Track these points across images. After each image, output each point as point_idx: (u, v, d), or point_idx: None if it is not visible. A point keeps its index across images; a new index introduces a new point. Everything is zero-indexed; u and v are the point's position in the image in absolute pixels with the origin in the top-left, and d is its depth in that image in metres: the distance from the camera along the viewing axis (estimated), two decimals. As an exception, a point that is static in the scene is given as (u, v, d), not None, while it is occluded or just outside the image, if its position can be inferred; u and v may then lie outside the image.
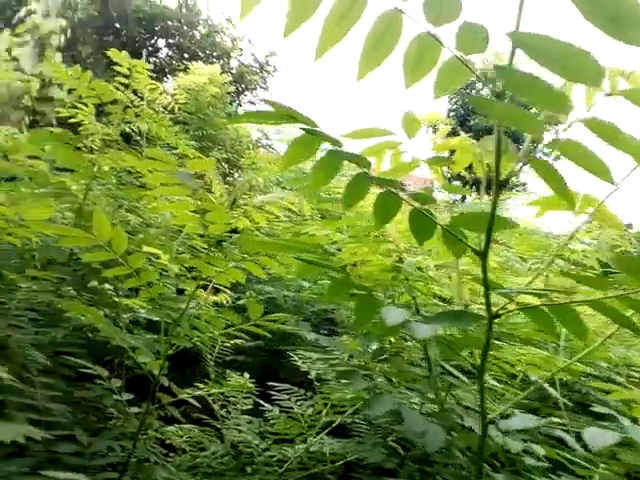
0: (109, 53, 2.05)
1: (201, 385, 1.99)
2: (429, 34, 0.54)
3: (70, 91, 5.82)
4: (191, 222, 1.01)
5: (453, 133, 1.13)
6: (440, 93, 0.58)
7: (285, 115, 0.55)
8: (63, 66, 5.67)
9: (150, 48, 16.36)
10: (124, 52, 2.13)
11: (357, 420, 1.94)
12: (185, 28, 15.97)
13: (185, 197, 1.00)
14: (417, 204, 0.63)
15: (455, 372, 1.10)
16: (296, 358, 2.27)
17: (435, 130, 1.30)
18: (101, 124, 2.66)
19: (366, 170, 0.61)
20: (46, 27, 5.30)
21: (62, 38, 5.64)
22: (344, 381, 1.35)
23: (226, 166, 7.39)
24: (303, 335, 2.61)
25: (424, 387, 1.16)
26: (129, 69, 2.26)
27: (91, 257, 1.10)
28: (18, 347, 1.37)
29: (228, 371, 2.19)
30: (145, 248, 1.17)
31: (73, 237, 1.07)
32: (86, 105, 1.97)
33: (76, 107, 2.06)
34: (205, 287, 1.71)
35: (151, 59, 16.66)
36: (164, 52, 16.18)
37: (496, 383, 1.23)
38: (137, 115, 2.39)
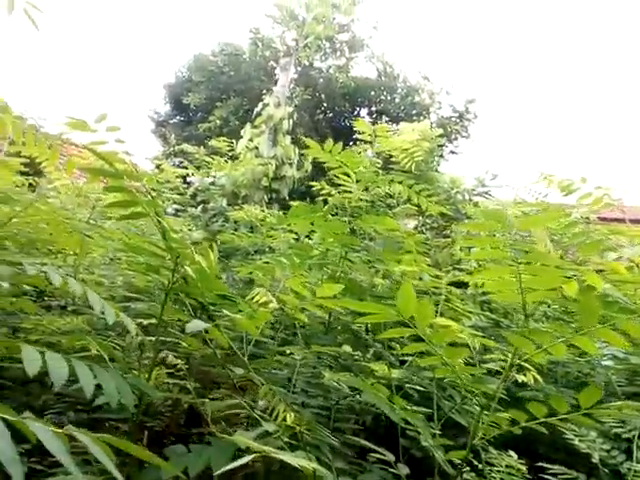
0: (355, 123, 2.11)
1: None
2: None
3: (299, 168, 6.41)
4: (509, 288, 0.85)
5: None
6: None
7: None
8: (292, 147, 6.32)
9: (353, 119, 17.66)
10: (364, 121, 2.17)
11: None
12: (385, 94, 16.88)
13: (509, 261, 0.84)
14: None
15: None
16: (570, 435, 1.89)
17: None
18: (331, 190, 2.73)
19: None
20: (278, 116, 6.07)
21: (290, 123, 6.40)
22: None
23: (441, 220, 7.23)
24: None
25: None
26: (369, 135, 2.30)
27: (392, 334, 1.01)
28: (309, 424, 1.35)
29: (490, 447, 1.92)
30: (437, 320, 1.04)
31: (373, 314, 0.98)
32: (347, 176, 2.02)
33: (332, 181, 2.13)
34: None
35: (355, 128, 17.92)
36: (367, 120, 17.30)
37: None
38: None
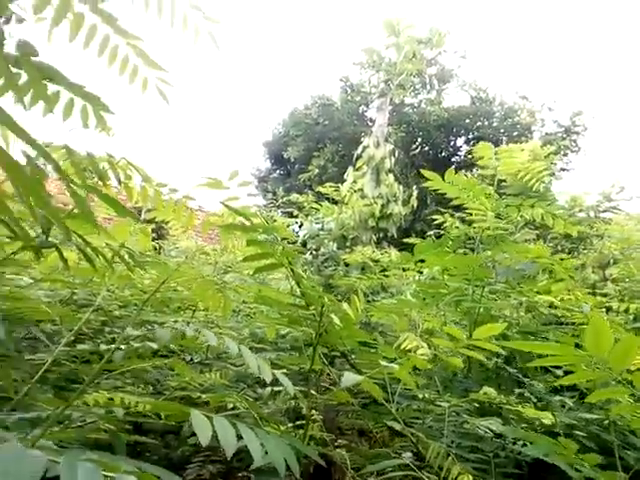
0: (476, 149, 2.00)
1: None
2: None
3: (404, 204, 6.26)
4: None
5: None
6: None
7: None
8: (396, 184, 6.20)
9: (450, 149, 17.28)
10: (488, 144, 2.06)
11: None
12: (481, 119, 16.38)
13: None
14: None
15: None
16: None
17: None
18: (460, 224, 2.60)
19: None
20: (378, 155, 6.08)
21: (392, 160, 6.37)
22: None
23: (565, 241, 6.67)
24: None
25: None
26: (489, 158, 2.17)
27: (573, 379, 0.86)
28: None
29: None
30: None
31: (553, 356, 0.84)
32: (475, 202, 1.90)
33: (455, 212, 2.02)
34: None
35: (452, 159, 17.53)
36: (464, 149, 16.80)
37: None
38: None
